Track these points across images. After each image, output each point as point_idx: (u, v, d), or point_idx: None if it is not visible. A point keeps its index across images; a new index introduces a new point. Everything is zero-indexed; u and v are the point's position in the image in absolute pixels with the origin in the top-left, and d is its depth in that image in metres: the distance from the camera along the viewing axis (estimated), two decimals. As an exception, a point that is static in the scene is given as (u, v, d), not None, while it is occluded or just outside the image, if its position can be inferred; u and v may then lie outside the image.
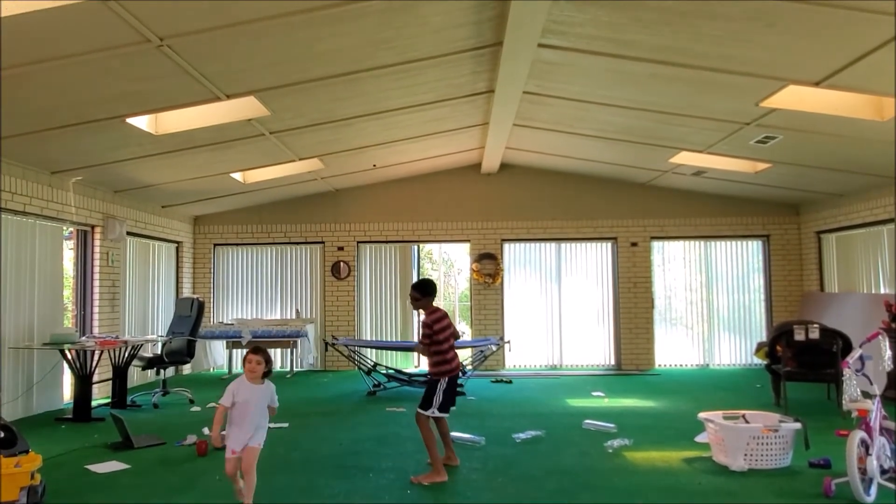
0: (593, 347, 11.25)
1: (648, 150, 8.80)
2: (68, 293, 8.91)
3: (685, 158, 8.91)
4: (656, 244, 11.36)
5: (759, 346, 8.05)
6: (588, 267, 11.38)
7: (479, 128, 8.79)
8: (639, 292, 11.09)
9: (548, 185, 11.14)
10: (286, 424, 6.62)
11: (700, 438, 5.65)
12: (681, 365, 11.20)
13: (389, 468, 5.00)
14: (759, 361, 9.00)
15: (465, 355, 8.92)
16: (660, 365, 11.10)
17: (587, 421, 6.50)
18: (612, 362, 11.16)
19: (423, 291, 5.03)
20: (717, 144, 8.01)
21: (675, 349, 11.29)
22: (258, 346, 4.17)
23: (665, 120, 7.38)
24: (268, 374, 4.06)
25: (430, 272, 19.35)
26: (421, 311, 5.16)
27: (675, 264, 11.53)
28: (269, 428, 6.35)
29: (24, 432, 5.35)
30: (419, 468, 4.92)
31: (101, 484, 4.70)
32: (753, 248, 11.40)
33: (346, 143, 8.44)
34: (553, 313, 11.29)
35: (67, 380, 7.96)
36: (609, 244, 11.32)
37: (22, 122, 5.89)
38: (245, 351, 4.61)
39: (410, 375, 9.24)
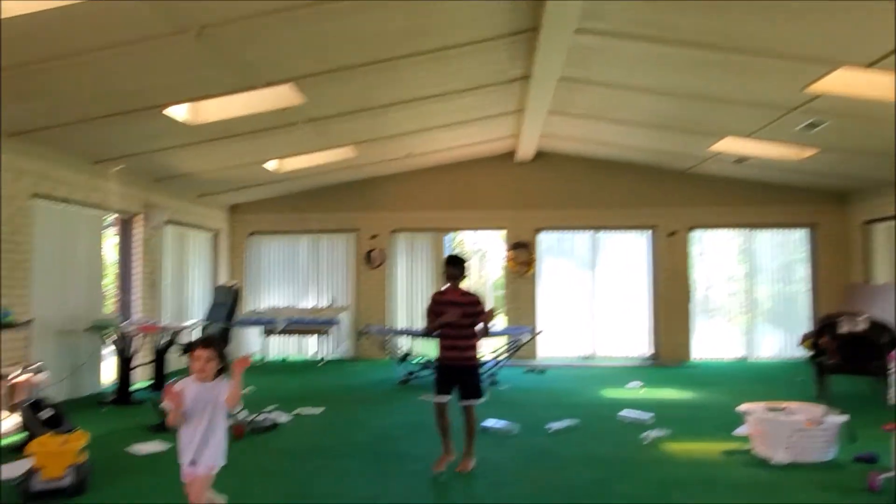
0: (629, 338, 11.08)
1: (689, 137, 8.59)
2: (110, 280, 9.12)
3: (727, 145, 8.67)
4: (696, 233, 11.10)
5: (806, 337, 7.83)
6: (624, 256, 11.20)
7: (514, 115, 8.69)
8: (677, 282, 10.87)
9: (584, 173, 10.97)
10: (321, 410, 6.68)
11: (740, 431, 5.51)
12: (720, 357, 10.95)
13: (422, 455, 4.99)
14: (801, 354, 8.75)
15: (497, 344, 8.88)
16: (698, 357, 10.88)
17: (623, 411, 6.40)
18: (649, 353, 10.98)
19: (463, 267, 4.70)
20: (761, 131, 7.76)
21: (714, 341, 11.04)
22: (208, 338, 3.47)
23: (707, 106, 7.19)
24: (222, 370, 3.15)
25: (463, 262, 19.24)
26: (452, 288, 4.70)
27: (715, 254, 11.26)
28: (301, 414, 6.53)
29: (68, 413, 5.53)
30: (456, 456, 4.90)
31: (142, 464, 4.81)
32: (798, 238, 11.06)
33: (381, 131, 8.44)
34: (588, 303, 11.15)
35: (109, 364, 8.16)
36: (647, 233, 11.11)
37: (66, 113, 6.02)
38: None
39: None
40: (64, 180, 7.21)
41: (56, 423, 5.20)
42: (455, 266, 4.70)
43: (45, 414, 5.26)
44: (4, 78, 4.83)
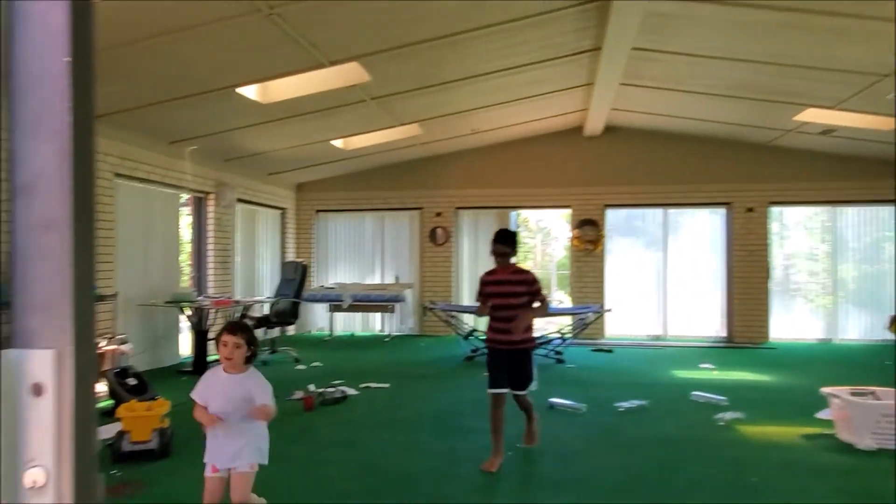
0: (701, 318, 10.72)
1: (770, 107, 8.13)
2: (185, 257, 9.51)
3: (812, 116, 8.16)
4: (775, 209, 10.57)
5: (894, 320, 7.35)
6: (697, 233, 10.80)
7: (583, 88, 8.45)
8: (754, 261, 10.40)
9: (655, 147, 10.59)
10: (387, 385, 6.78)
11: (822, 415, 5.24)
12: (800, 339, 10.45)
13: (489, 430, 4.99)
14: (889, 337, 8.24)
15: (563, 323, 8.76)
16: (776, 338, 10.42)
17: (695, 392, 6.20)
18: (723, 334, 10.60)
19: (513, 242, 4.29)
20: (850, 100, 7.26)
21: (793, 322, 10.55)
22: (237, 323, 2.98)
23: (791, 73, 6.76)
24: (251, 357, 2.87)
25: (526, 240, 19.14)
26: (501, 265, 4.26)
27: (795, 231, 10.70)
28: (369, 388, 6.65)
29: (151, 382, 5.81)
30: (517, 432, 4.88)
31: (218, 432, 5.00)
32: (886, 215, 10.36)
33: (446, 108, 8.38)
34: (658, 281, 10.83)
35: (186, 337, 8.53)
36: (722, 210, 10.66)
37: (144, 95, 6.25)
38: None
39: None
40: (143, 161, 7.52)
41: (140, 391, 5.49)
42: (503, 242, 4.20)
43: (130, 382, 5.55)
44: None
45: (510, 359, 4.18)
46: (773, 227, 10.59)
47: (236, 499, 2.79)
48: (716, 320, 10.68)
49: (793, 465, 4.18)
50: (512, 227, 11.36)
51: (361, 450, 4.54)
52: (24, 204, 0.54)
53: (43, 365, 0.52)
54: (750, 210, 10.41)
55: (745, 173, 10.39)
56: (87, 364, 0.54)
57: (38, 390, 0.52)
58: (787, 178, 10.29)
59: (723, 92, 7.85)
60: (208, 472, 2.80)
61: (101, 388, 5.97)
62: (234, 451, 2.78)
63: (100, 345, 6.21)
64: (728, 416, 5.36)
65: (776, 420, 5.34)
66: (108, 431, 4.43)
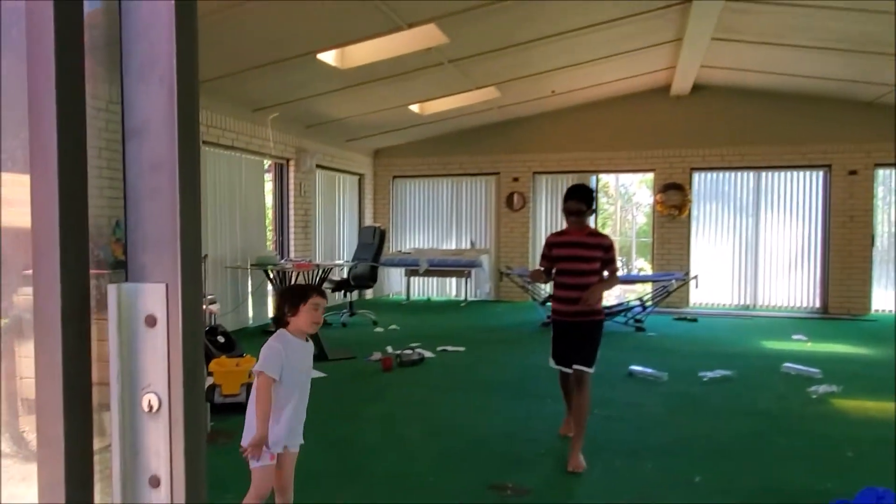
0: (794, 288, 10.14)
1: (880, 60, 7.43)
2: (269, 221, 9.84)
3: (927, 67, 7.41)
4: (882, 172, 9.76)
5: None
6: (793, 198, 10.13)
7: (671, 45, 8.01)
8: (855, 227, 9.68)
9: (748, 106, 9.94)
10: (463, 349, 6.82)
11: (931, 393, 4.87)
12: (904, 312, 9.72)
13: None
14: None
15: (644, 291, 8.51)
16: (878, 310, 9.73)
17: (787, 364, 5.89)
18: (817, 304, 10.00)
19: (590, 198, 3.70)
20: (975, 46, 6.53)
21: (897, 293, 9.80)
22: (319, 287, 2.74)
23: (905, 20, 6.13)
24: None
25: (605, 206, 18.64)
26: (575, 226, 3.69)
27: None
28: (445, 351, 6.71)
29: (239, 340, 6.09)
30: (595, 398, 4.78)
31: (301, 388, 5.20)
32: None
33: (525, 69, 8.16)
34: (748, 249, 10.29)
35: (270, 299, 8.88)
36: (820, 172, 9.95)
37: (228, 63, 6.41)
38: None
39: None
40: (228, 128, 7.77)
41: (229, 348, 5.76)
42: (578, 198, 3.59)
43: (220, 339, 5.84)
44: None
45: (577, 333, 3.62)
46: (879, 190, 9.80)
47: (285, 482, 2.53)
48: (810, 290, 10.07)
49: (892, 442, 3.90)
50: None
51: (437, 411, 4.60)
52: (135, 146, 0.57)
53: (155, 298, 0.56)
54: (853, 172, 9.65)
55: (847, 134, 9.62)
56: (194, 298, 0.58)
57: (151, 321, 0.56)
58: (896, 137, 9.45)
59: (828, 45, 7.23)
60: (266, 461, 2.42)
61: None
62: (299, 427, 2.53)
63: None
64: (822, 389, 5.07)
65: (874, 395, 5.00)
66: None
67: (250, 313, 8.40)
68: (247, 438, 2.41)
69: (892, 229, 9.85)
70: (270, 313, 8.73)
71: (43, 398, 0.52)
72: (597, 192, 11.51)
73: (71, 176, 0.53)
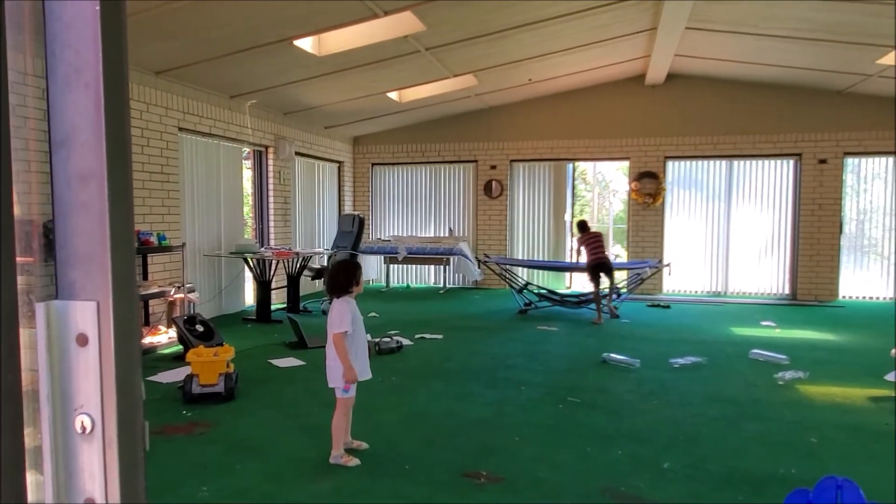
0: (764, 274, 10.38)
1: (851, 50, 7.59)
2: (247, 209, 9.78)
3: None
4: (850, 161, 9.99)
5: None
6: (763, 186, 10.34)
7: (646, 34, 8.08)
8: (824, 215, 9.92)
9: (721, 95, 10.10)
10: (441, 336, 6.90)
11: (891, 377, 5.05)
12: (871, 297, 10.00)
13: (540, 383, 5.04)
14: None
15: (618, 278, 8.65)
16: (845, 297, 10.01)
17: (755, 350, 6.06)
18: (786, 291, 10.25)
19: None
20: (941, 39, 6.70)
21: (865, 280, 10.07)
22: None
23: (878, 11, 6.26)
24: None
25: (583, 193, 18.77)
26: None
27: (874, 184, 10.10)
28: (423, 338, 6.78)
29: (217, 329, 6.09)
30: (568, 385, 4.90)
31: (282, 376, 5.24)
32: (976, 166, 9.64)
33: (501, 57, 8.19)
34: (719, 236, 10.50)
35: (249, 286, 8.87)
36: (791, 161, 10.16)
37: (204, 49, 6.35)
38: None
39: (563, 296, 9.17)
40: (205, 115, 7.70)
41: (208, 337, 5.77)
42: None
43: (198, 328, 5.84)
44: (149, 19, 5.14)
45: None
46: (848, 179, 10.03)
47: (346, 415, 3.49)
48: (779, 277, 10.31)
49: (856, 427, 4.06)
50: (568, 180, 11.16)
51: (415, 398, 4.67)
52: (62, 157, 0.54)
53: (86, 316, 0.54)
54: (822, 161, 9.87)
55: (818, 123, 9.82)
56: (127, 315, 0.56)
57: (82, 340, 0.54)
58: (866, 126, 9.66)
59: (799, 34, 7.36)
60: (352, 393, 3.44)
61: (171, 333, 6.31)
62: (367, 361, 3.48)
63: (170, 293, 6.52)
64: (789, 375, 5.24)
65: (841, 381, 5.18)
66: (178, 375, 4.70)
67: (230, 301, 8.38)
68: (333, 379, 3.41)
69: (861, 217, 10.10)
70: (249, 301, 8.74)
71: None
72: (574, 178, 11.60)
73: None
